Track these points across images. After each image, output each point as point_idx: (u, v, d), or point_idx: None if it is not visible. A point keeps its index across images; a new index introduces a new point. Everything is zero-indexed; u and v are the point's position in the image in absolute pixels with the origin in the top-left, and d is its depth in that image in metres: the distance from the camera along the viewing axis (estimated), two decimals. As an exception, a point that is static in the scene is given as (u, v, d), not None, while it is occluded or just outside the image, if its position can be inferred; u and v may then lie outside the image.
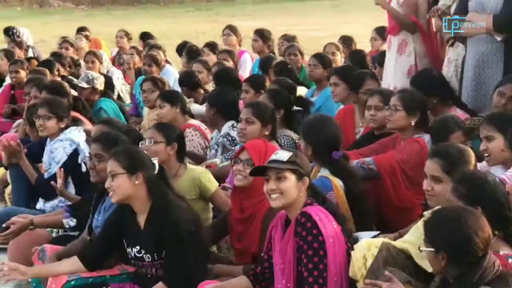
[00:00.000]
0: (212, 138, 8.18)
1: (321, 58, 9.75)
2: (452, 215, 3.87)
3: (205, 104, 9.45)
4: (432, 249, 3.83)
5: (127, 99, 12.32)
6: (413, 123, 6.43)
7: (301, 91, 9.50)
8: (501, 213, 4.08)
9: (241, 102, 8.36)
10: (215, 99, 8.27)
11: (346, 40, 12.36)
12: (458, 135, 6.07)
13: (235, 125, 7.59)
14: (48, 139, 7.49)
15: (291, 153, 4.91)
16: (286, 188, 4.78)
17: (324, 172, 5.66)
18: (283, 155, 4.88)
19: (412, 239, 4.72)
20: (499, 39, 7.01)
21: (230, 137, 7.51)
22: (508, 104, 6.42)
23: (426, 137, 6.33)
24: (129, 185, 5.32)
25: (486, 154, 5.67)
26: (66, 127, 7.41)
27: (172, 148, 6.42)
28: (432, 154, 4.94)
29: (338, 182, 5.80)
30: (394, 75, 8.30)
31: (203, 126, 8.37)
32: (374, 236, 5.15)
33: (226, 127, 7.70)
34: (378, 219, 6.02)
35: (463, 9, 7.26)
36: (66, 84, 9.22)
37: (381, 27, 10.63)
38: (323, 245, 4.66)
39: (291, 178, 4.80)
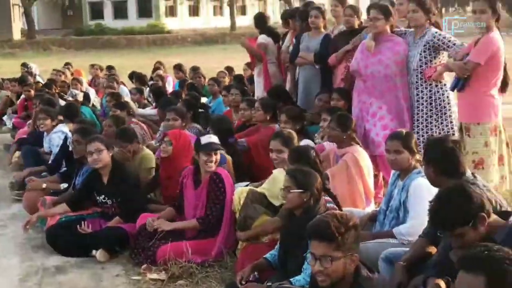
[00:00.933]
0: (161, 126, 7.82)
1: (216, 80, 9.75)
2: (308, 171, 3.83)
3: (147, 108, 9.31)
4: (301, 191, 3.73)
5: (98, 107, 11.91)
6: (268, 118, 6.42)
7: (203, 100, 9.42)
8: (314, 168, 4.06)
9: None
10: (165, 104, 7.72)
11: (229, 69, 12.29)
12: (283, 117, 6.03)
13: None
14: (45, 133, 7.31)
15: (217, 138, 4.97)
16: (217, 159, 4.84)
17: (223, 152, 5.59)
18: (216, 139, 4.91)
19: (267, 187, 4.75)
20: (317, 67, 7.09)
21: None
22: (324, 106, 6.50)
23: (277, 126, 6.34)
24: (107, 156, 5.25)
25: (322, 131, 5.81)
26: (57, 124, 7.20)
27: (136, 144, 6.06)
28: (275, 136, 4.94)
29: (229, 158, 5.71)
30: (256, 90, 8.30)
31: (141, 122, 7.99)
32: (246, 185, 5.15)
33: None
34: (248, 175, 5.99)
35: (297, 50, 7.29)
36: (55, 99, 9.04)
37: (250, 62, 10.57)
38: (224, 192, 4.77)
39: (217, 153, 4.85)
